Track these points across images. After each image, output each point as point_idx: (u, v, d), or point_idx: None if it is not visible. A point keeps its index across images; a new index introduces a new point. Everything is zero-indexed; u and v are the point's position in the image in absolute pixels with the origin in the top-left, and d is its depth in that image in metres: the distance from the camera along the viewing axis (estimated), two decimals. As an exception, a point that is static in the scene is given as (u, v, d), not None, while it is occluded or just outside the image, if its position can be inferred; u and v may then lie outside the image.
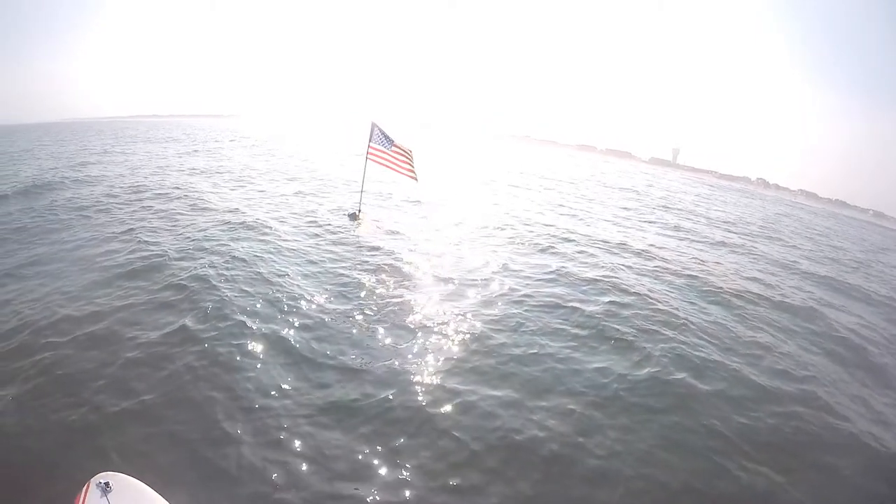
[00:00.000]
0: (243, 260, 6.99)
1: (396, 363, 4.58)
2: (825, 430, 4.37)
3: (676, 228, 15.46)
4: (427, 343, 5.04)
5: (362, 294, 6.18)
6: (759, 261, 12.18)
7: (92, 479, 2.02)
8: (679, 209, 21.89)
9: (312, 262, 7.25)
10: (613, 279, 7.67)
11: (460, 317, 5.74)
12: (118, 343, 4.50)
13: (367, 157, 10.00)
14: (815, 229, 28.30)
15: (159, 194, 11.75)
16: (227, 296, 5.62)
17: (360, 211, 10.78)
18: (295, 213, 10.68)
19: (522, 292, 6.75)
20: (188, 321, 4.97)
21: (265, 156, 23.97)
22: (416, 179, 10.01)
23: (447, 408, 3.98)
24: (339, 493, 3.07)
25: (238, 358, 4.41)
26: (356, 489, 3.11)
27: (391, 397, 4.03)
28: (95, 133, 39.44)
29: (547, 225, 12.17)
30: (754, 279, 9.58)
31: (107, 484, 1.98)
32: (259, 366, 4.32)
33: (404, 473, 3.27)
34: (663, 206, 21.78)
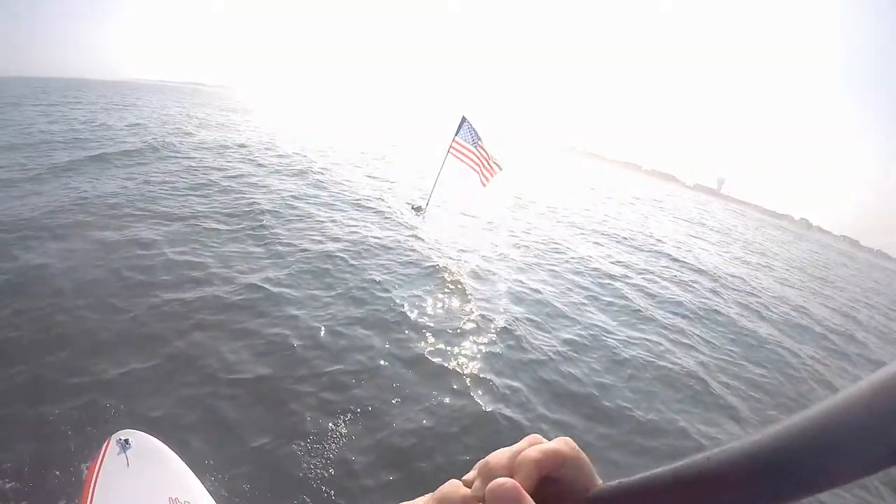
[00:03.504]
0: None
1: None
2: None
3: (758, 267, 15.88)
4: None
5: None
6: (840, 310, 12.50)
7: (112, 436, 2.06)
8: (756, 251, 22.16)
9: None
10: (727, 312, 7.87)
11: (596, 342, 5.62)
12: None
13: (448, 151, 9.82)
14: (867, 282, 27.50)
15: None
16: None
17: (427, 204, 10.57)
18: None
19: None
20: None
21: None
22: (484, 185, 9.67)
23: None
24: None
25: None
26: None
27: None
28: (160, 96, 39.24)
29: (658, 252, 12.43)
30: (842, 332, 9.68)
31: (126, 441, 2.05)
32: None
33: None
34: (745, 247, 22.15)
